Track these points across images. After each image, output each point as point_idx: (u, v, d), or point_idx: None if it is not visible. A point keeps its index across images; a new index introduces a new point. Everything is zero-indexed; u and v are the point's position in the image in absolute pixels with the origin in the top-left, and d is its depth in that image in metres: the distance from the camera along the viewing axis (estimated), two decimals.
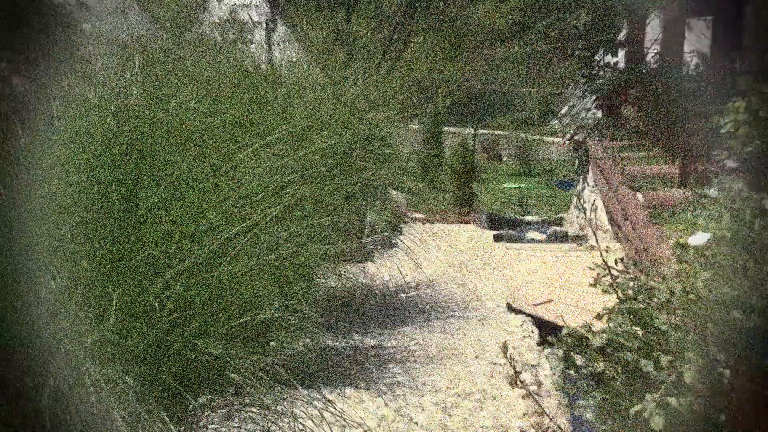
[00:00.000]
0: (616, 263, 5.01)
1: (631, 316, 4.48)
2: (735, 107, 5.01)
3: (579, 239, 14.17)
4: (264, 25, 22.38)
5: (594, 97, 16.46)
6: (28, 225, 4.30)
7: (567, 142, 18.55)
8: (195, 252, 4.42)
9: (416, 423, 6.60)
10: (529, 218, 18.91)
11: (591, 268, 4.98)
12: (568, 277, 10.57)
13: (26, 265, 4.16)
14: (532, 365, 7.67)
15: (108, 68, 6.54)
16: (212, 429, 4.80)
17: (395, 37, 22.21)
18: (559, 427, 6.42)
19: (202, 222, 4.61)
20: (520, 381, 4.90)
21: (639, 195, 10.65)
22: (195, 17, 22.13)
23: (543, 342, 8.20)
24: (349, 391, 7.01)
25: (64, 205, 4.45)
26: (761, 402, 3.29)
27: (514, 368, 4.84)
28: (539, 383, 7.28)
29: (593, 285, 4.98)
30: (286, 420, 4.85)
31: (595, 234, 5.95)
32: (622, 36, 16.65)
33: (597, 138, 15.29)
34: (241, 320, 4.41)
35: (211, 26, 21.05)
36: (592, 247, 5.14)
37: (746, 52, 9.95)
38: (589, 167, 15.55)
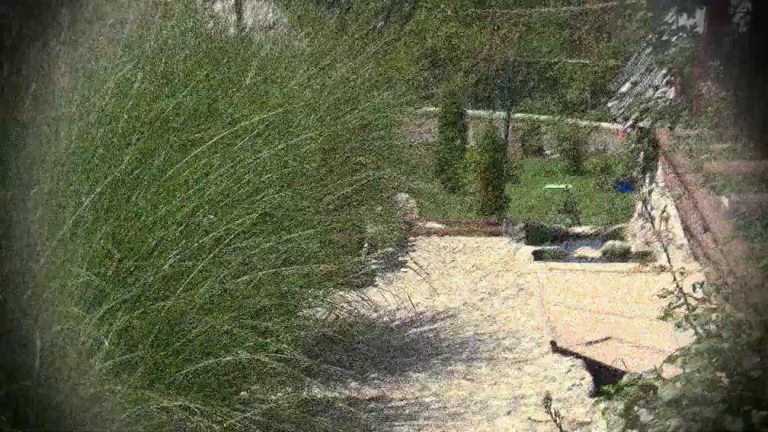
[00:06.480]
0: (693, 289, 5.00)
1: (714, 359, 4.48)
2: None
3: (644, 257, 14.17)
4: None
5: (664, 72, 16.45)
6: None
7: (628, 130, 18.56)
8: (140, 276, 4.41)
9: None
10: (578, 230, 18.93)
11: (661, 296, 4.97)
12: (630, 308, 10.55)
13: None
14: (584, 423, 7.67)
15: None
16: None
17: None
18: None
19: (149, 236, 4.61)
20: None
21: (723, 199, 10.63)
22: None
23: (597, 393, 8.19)
24: None
25: None
26: None
27: (560, 427, 4.84)
28: None
29: (663, 318, 4.98)
30: None
31: (665, 250, 5.96)
32: None
33: (668, 125, 15.27)
34: (202, 364, 4.41)
35: None
36: (662, 267, 5.14)
37: None
38: (658, 163, 15.54)
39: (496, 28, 28.26)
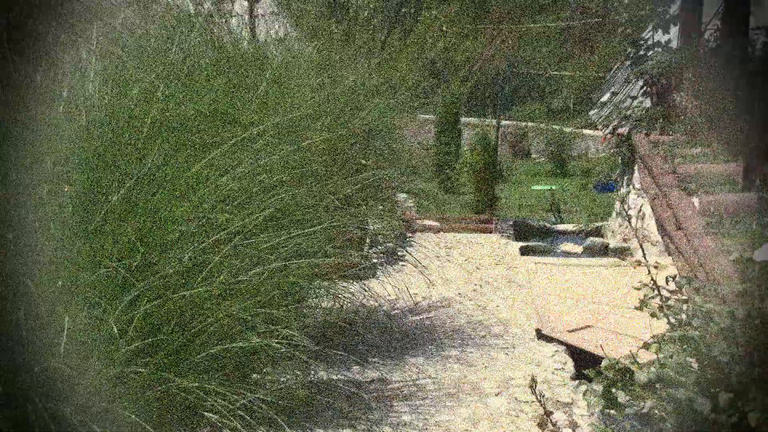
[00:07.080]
0: (666, 282, 5.01)
1: (685, 346, 4.49)
2: None
3: (622, 253, 14.16)
4: None
5: (641, 83, 16.46)
6: None
7: (608, 136, 18.54)
8: (163, 267, 4.42)
9: None
10: (562, 227, 18.88)
11: (637, 288, 4.98)
12: (609, 299, 10.56)
13: None
14: (566, 403, 7.67)
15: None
16: None
17: (403, 9, 22.14)
18: None
19: (171, 230, 4.62)
20: (552, 423, 4.90)
21: (695, 199, 10.63)
22: None
23: (579, 376, 8.18)
24: None
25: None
26: None
27: (545, 407, 4.84)
28: (574, 425, 7.28)
29: (639, 308, 4.98)
30: None
31: (641, 246, 5.97)
32: (674, 9, 16.63)
33: (644, 131, 15.27)
34: (218, 348, 4.42)
35: None
36: (638, 262, 5.15)
37: None
38: (635, 166, 15.52)
39: (491, 38, 28.21)
